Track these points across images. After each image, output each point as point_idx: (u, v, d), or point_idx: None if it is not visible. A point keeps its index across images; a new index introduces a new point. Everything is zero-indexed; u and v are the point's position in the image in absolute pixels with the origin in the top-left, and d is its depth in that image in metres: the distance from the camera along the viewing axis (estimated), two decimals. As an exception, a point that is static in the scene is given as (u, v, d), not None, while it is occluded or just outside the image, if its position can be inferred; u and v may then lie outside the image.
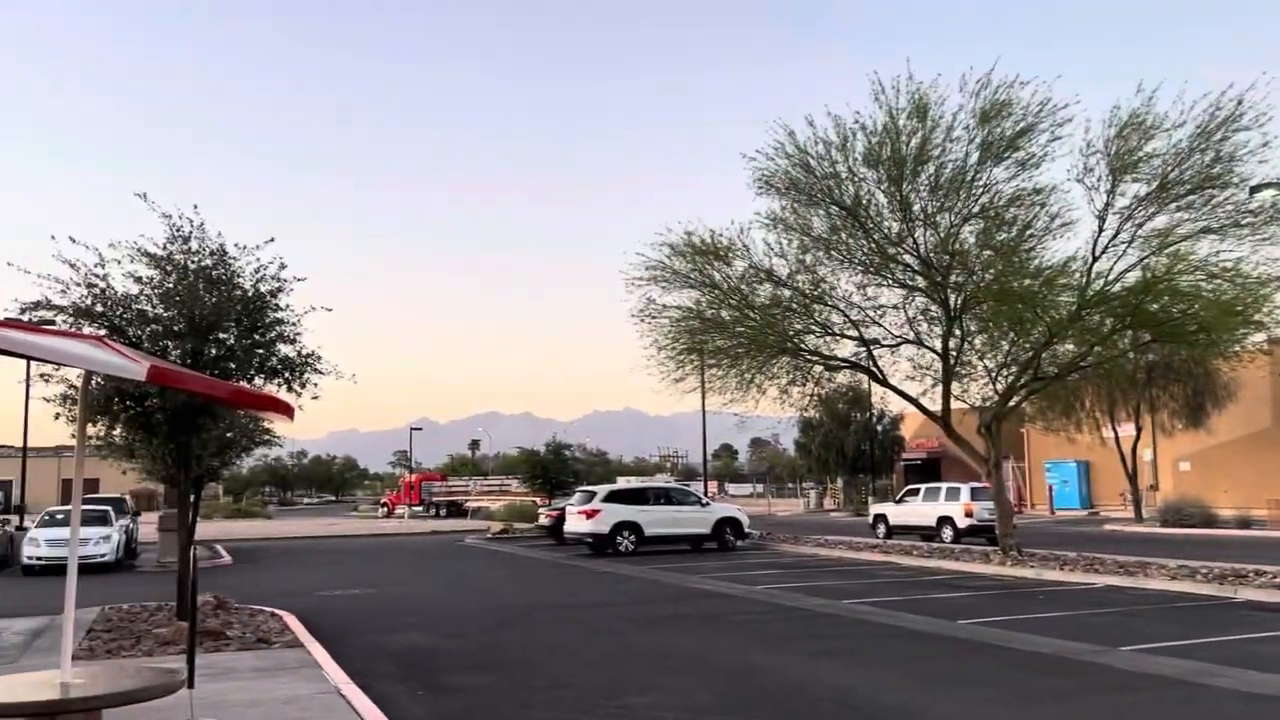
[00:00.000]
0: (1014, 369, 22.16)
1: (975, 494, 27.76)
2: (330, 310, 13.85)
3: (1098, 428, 37.85)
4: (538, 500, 46.97)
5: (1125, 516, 39.43)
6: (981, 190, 20.10)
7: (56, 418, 12.97)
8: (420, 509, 60.57)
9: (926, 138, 19.73)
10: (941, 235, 20.47)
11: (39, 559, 22.87)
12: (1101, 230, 19.88)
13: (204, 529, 35.80)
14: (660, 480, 60.58)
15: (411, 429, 74.55)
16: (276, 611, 13.99)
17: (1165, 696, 8.58)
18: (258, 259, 13.22)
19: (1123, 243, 19.93)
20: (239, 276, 13.13)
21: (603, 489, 28.73)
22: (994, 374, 22.75)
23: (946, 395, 22.18)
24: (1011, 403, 22.94)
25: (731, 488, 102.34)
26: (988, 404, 23.37)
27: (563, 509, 30.02)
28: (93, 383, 11.55)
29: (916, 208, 20.37)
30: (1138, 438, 37.58)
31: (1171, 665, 9.83)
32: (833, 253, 21.46)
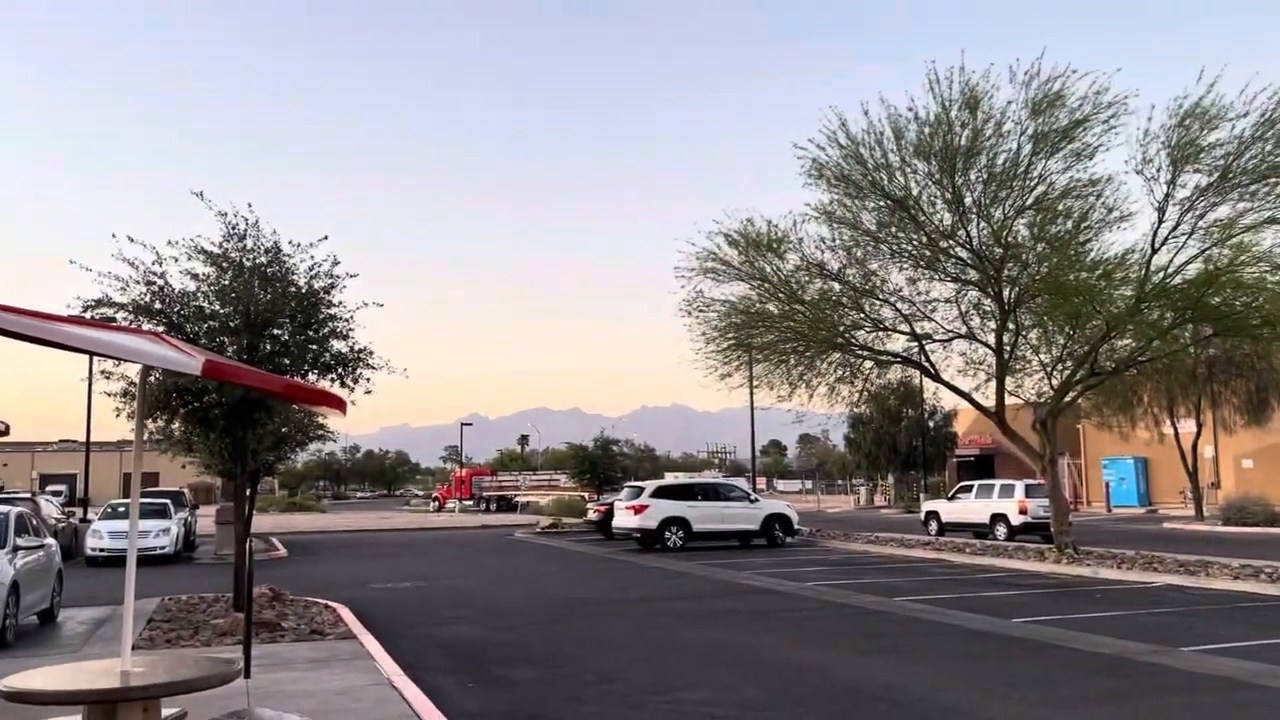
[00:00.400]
0: (1070, 364, 21.76)
1: (1030, 491, 27.34)
2: (382, 306, 14.02)
3: (1156, 424, 37.05)
4: (586, 495, 47.10)
5: (1185, 515, 38.55)
6: (1036, 181, 19.75)
7: (118, 413, 13.28)
8: (470, 503, 61.11)
9: (978, 130, 19.43)
10: (994, 228, 20.15)
11: (102, 550, 23.45)
12: (1161, 222, 19.43)
13: (260, 522, 36.40)
14: (708, 476, 60.44)
15: (462, 424, 75.12)
16: (330, 604, 14.18)
17: (1228, 699, 8.36)
18: (311, 256, 13.41)
19: (1183, 234, 19.46)
20: (293, 273, 13.31)
21: (651, 484, 28.74)
22: (1049, 369, 22.36)
23: (1000, 390, 21.86)
24: (1067, 398, 22.53)
25: (780, 484, 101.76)
26: (1043, 399, 22.98)
27: (611, 504, 30.09)
28: (151, 378, 11.79)
29: (969, 200, 20.07)
30: (1198, 434, 36.70)
31: (1234, 667, 9.58)
32: (883, 246, 21.23)
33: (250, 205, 13.28)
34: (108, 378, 13.05)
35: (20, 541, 12.12)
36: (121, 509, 25.44)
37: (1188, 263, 19.57)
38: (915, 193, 20.34)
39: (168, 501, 26.34)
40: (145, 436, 11.82)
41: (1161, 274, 19.56)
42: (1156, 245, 19.60)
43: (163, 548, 24.00)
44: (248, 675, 5.65)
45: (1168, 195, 19.18)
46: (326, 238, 13.55)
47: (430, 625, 13.18)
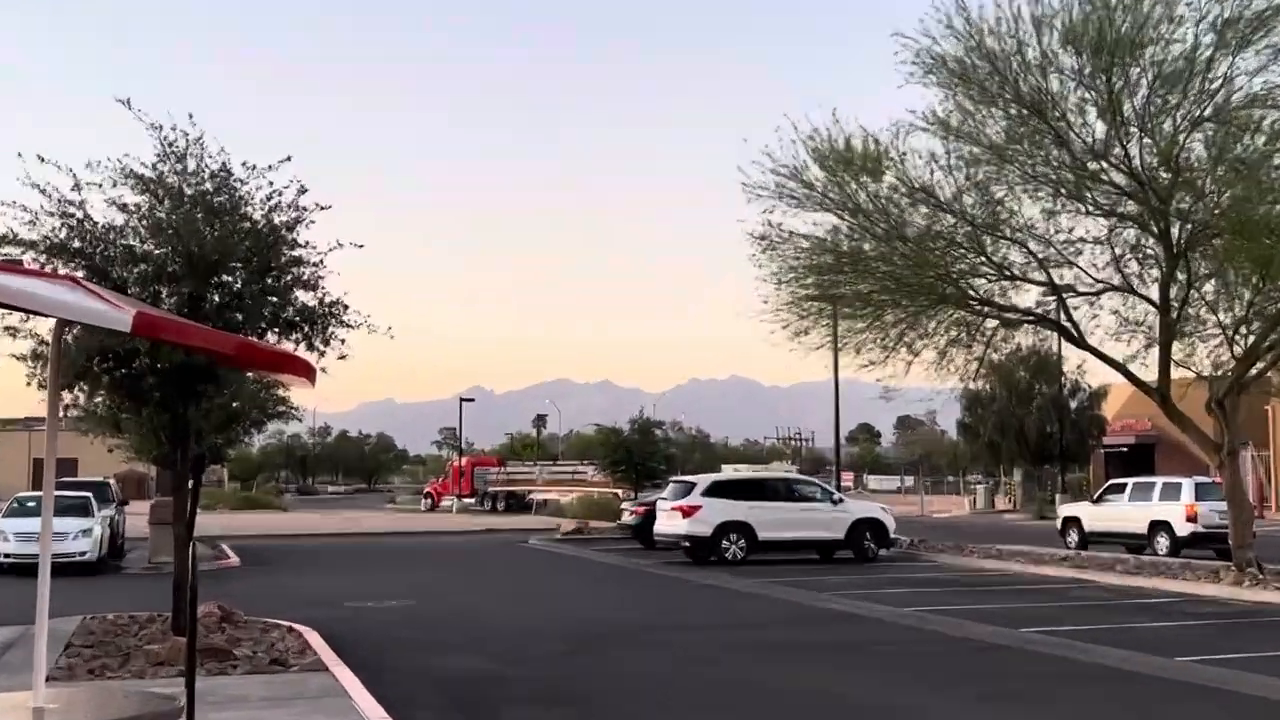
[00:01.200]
0: (1258, 325, 21.44)
1: (1201, 491, 27.12)
2: (361, 248, 13.97)
3: (1373, 406, 36.46)
4: (620, 492, 47.35)
5: None
6: (1219, 84, 19.31)
7: (28, 382, 13.43)
8: (472, 501, 61.76)
9: (1144, 14, 19.00)
10: (1161, 145, 19.77)
11: (7, 556, 23.87)
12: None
13: (205, 522, 36.95)
14: (778, 469, 60.47)
15: (461, 400, 75.81)
16: (295, 626, 14.37)
17: None
18: (270, 183, 13.38)
19: None
20: (247, 204, 13.32)
21: (704, 479, 28.80)
22: (1230, 331, 22.06)
23: (1165, 360, 21.60)
24: (1254, 370, 22.24)
25: (873, 480, 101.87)
26: (1221, 372, 22.70)
27: (652, 504, 30.23)
28: (68, 336, 11.90)
29: (1128, 108, 19.70)
30: None
31: None
32: (1011, 167, 20.90)
33: (191, 116, 13.28)
34: (14, 336, 13.20)
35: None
36: (32, 504, 25.89)
37: None
38: (1058, 96, 19.98)
39: (89, 495, 26.74)
40: (61, 412, 11.98)
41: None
42: (1380, 169, 19.17)
43: (83, 553, 24.40)
44: (191, 715, 5.74)
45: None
46: (290, 158, 13.52)
47: (421, 655, 13.34)
